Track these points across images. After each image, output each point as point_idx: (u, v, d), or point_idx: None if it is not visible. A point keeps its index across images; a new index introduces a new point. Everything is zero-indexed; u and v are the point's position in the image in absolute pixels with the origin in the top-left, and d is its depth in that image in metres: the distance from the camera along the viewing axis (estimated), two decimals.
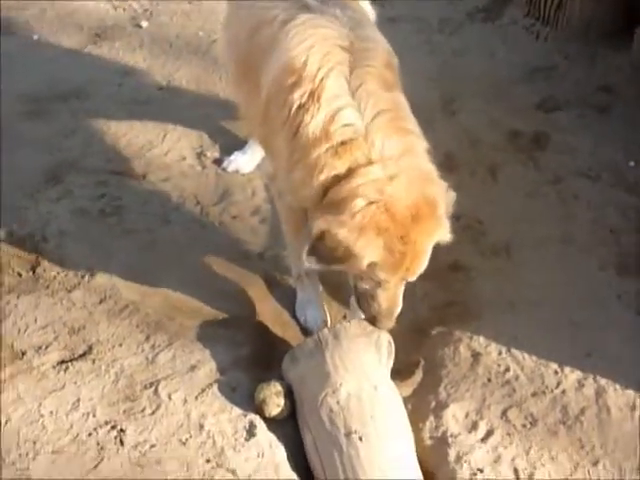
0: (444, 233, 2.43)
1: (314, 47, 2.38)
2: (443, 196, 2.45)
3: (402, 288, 2.51)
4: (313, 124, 2.37)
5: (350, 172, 2.34)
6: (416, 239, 2.34)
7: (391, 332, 2.70)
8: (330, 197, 2.39)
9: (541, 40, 4.06)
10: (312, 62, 2.37)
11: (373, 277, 2.43)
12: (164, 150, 3.44)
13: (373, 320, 2.57)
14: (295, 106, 2.38)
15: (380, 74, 2.43)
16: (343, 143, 2.35)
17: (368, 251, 2.30)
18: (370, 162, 2.34)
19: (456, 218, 3.09)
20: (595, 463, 2.44)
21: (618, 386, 2.62)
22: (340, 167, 2.35)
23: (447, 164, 3.35)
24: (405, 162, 2.37)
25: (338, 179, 2.36)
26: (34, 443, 2.40)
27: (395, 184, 2.31)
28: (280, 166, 2.61)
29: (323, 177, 2.36)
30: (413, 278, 2.46)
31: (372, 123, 2.37)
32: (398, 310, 2.53)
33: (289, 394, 2.57)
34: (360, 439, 2.35)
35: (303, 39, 2.43)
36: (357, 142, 2.36)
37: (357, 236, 2.27)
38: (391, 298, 2.49)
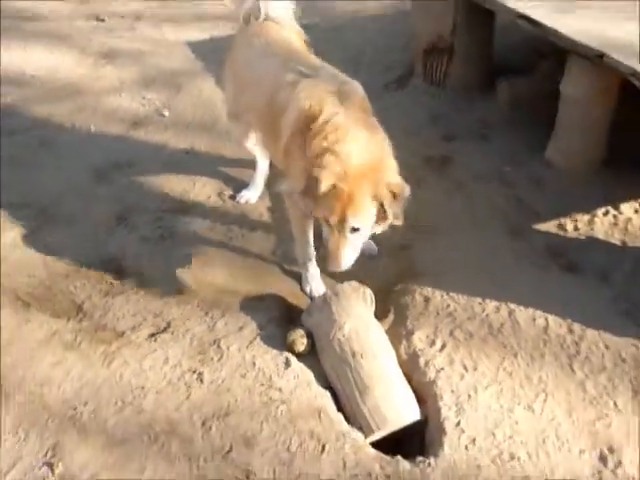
0: (384, 197, 2.31)
1: (314, 97, 2.42)
2: (393, 176, 2.38)
3: (347, 238, 2.35)
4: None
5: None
6: (356, 187, 2.26)
7: (372, 290, 2.70)
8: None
9: (436, 97, 4.12)
10: (314, 105, 2.39)
11: (326, 219, 2.35)
12: (196, 193, 3.45)
13: (326, 264, 2.46)
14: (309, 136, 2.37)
15: (359, 104, 2.47)
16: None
17: (323, 176, 2.25)
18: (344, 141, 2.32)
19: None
20: (515, 355, 2.51)
21: (522, 307, 2.69)
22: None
23: None
24: (372, 146, 2.36)
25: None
26: (142, 388, 2.44)
27: (359, 152, 2.30)
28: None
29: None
30: (352, 224, 2.31)
31: (351, 121, 2.37)
32: (344, 256, 2.37)
33: (309, 336, 2.60)
34: (362, 356, 2.40)
35: (308, 94, 2.44)
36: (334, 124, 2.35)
37: (319, 169, 2.27)
38: (335, 242, 2.35)
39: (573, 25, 3.12)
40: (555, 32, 3.12)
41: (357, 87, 2.56)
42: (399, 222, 2.45)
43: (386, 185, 2.32)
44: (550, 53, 3.62)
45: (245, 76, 2.93)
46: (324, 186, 2.27)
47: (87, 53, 4.95)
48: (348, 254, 2.39)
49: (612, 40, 2.97)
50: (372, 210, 2.35)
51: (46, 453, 2.27)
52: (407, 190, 2.39)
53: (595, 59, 2.95)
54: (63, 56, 4.92)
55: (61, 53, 4.95)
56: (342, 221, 2.32)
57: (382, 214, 2.37)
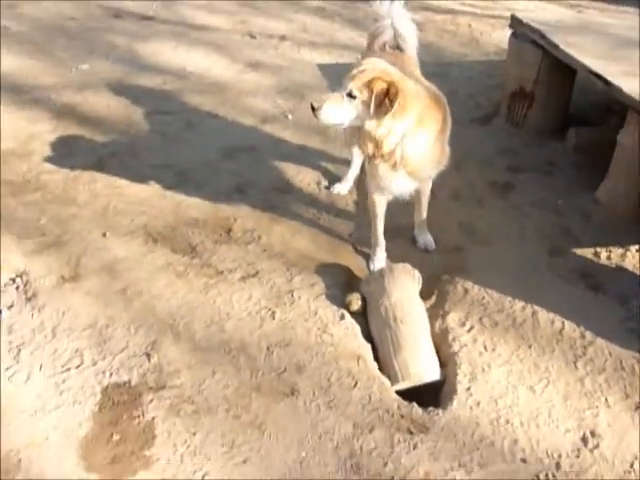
0: (376, 89, 2.38)
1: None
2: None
3: (340, 96, 2.44)
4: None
5: None
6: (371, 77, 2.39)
7: (422, 276, 2.84)
8: None
9: (513, 135, 4.18)
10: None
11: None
12: (299, 180, 3.68)
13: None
14: None
15: (438, 100, 2.65)
16: None
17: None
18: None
19: (459, 224, 3.44)
20: (529, 346, 2.60)
21: (545, 310, 2.76)
22: None
23: (456, 196, 3.66)
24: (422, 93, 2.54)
25: None
26: (227, 314, 2.70)
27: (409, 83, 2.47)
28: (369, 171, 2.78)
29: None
30: (349, 88, 2.41)
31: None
32: (326, 104, 2.44)
33: (363, 300, 2.76)
34: (401, 322, 2.55)
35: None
36: None
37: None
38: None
39: (634, 86, 3.17)
40: (619, 90, 3.19)
41: (443, 97, 2.71)
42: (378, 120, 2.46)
43: (389, 84, 2.38)
44: (619, 111, 3.64)
45: None
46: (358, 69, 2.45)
47: (236, 61, 5.31)
48: (330, 105, 2.44)
49: None
50: (365, 92, 2.40)
51: (147, 346, 2.58)
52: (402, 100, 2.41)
53: None
54: (217, 61, 5.30)
55: (216, 58, 5.34)
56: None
57: (374, 108, 2.42)
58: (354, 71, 2.46)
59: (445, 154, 2.82)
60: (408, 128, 2.48)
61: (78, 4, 6.51)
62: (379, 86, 2.38)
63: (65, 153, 3.86)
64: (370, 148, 2.56)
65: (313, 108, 2.45)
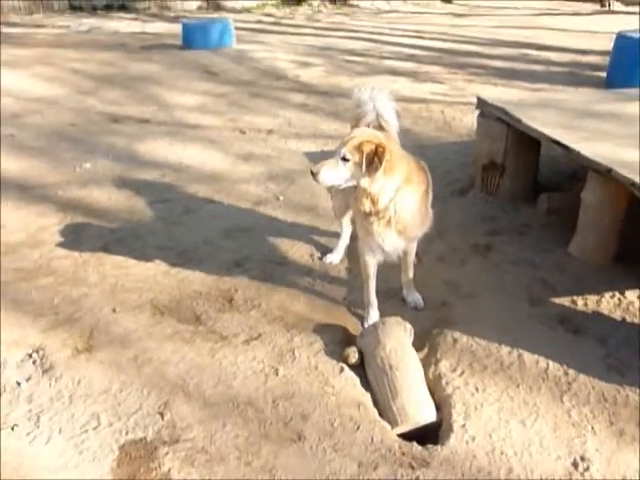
0: (366, 152, 2.62)
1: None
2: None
3: (335, 161, 2.70)
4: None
5: None
6: (360, 143, 2.66)
7: (413, 330, 3.00)
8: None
9: (489, 204, 4.49)
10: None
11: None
12: (293, 252, 3.93)
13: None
14: None
15: (419, 167, 2.93)
16: None
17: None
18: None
19: (444, 282, 3.67)
20: (518, 385, 2.77)
21: (529, 353, 2.94)
22: None
23: (440, 259, 3.92)
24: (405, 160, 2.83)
25: None
26: (234, 373, 2.87)
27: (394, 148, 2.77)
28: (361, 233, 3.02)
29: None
30: (343, 153, 2.67)
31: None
32: (324, 168, 2.72)
33: (360, 353, 2.92)
34: (397, 369, 2.72)
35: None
36: None
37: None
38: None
39: (592, 149, 3.52)
40: (578, 153, 3.54)
41: (424, 164, 3.03)
42: (371, 177, 2.71)
43: (376, 145, 2.64)
44: (584, 178, 3.96)
45: None
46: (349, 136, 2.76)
47: (229, 154, 5.71)
48: (327, 169, 2.71)
49: (620, 160, 3.35)
50: (356, 155, 2.66)
51: (159, 406, 2.74)
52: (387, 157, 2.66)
53: (605, 173, 3.33)
54: (211, 154, 5.69)
55: (210, 152, 5.74)
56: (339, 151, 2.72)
57: (366, 167, 2.66)
58: (345, 138, 2.79)
59: (429, 216, 3.11)
60: (398, 186, 2.74)
61: (78, 112, 7.00)
62: (368, 147, 2.64)
63: (73, 240, 4.12)
64: (367, 205, 2.78)
65: (313, 173, 2.72)
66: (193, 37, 10.07)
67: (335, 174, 2.73)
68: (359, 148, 2.66)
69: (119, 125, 6.57)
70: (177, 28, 10.47)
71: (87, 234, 4.21)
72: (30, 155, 5.66)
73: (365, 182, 2.73)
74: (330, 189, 3.66)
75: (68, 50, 10.22)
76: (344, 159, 2.70)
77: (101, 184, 5.05)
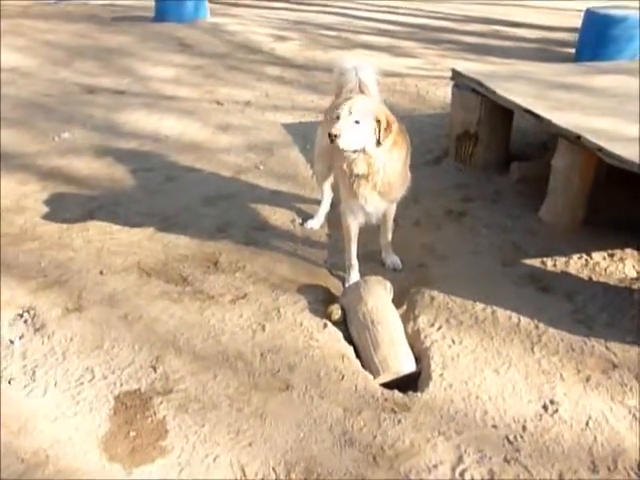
0: (381, 119, 2.76)
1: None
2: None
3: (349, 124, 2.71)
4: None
5: None
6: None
7: (393, 288, 3.16)
8: None
9: (462, 172, 4.63)
10: None
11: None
12: (275, 219, 4.03)
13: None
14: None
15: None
16: None
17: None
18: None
19: (421, 245, 3.82)
20: (491, 338, 2.93)
21: (502, 309, 3.11)
22: None
23: (417, 224, 4.05)
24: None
25: None
26: (222, 329, 2.98)
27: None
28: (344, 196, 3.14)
29: None
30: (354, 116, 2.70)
31: None
32: (341, 129, 2.70)
33: (343, 310, 3.06)
34: (378, 324, 2.85)
35: None
36: None
37: None
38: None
39: (562, 117, 3.69)
40: (549, 121, 3.70)
41: (404, 128, 3.15)
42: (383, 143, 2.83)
43: (386, 116, 2.80)
44: (553, 148, 4.12)
45: None
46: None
47: (208, 125, 5.74)
48: (345, 132, 2.68)
49: (588, 128, 3.52)
50: (371, 120, 2.75)
51: (151, 360, 2.85)
52: (395, 127, 2.85)
53: (574, 140, 3.50)
54: (189, 125, 5.72)
55: (188, 123, 5.76)
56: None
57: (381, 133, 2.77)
58: (348, 102, 2.77)
59: (408, 177, 3.25)
60: (389, 148, 2.86)
61: (52, 83, 6.96)
62: (383, 115, 2.76)
63: (56, 207, 4.17)
64: (363, 168, 2.87)
65: (333, 136, 2.66)
66: (166, 9, 9.98)
67: (354, 138, 2.73)
68: (374, 114, 2.74)
69: (95, 96, 6.56)
70: (149, 0, 10.36)
71: (69, 201, 4.26)
72: (7, 125, 5.63)
73: (372, 146, 2.80)
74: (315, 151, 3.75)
75: (38, 21, 10.05)
76: (357, 122, 2.72)
77: (80, 153, 5.08)
